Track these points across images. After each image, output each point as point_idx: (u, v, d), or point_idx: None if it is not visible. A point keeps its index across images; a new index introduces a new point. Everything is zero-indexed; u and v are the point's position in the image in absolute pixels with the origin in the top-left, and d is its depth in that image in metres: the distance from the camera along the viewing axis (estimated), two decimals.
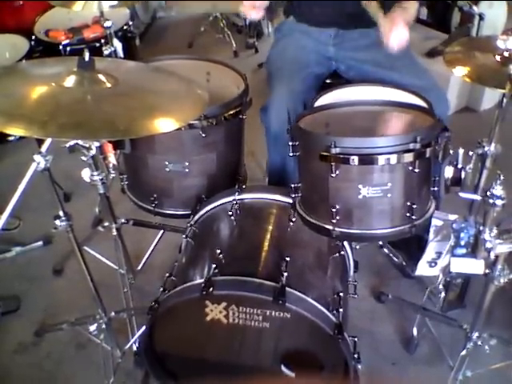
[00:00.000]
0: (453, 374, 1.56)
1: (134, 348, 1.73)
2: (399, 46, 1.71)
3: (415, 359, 1.83)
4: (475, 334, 1.51)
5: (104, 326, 1.63)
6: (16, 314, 2.02)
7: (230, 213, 1.55)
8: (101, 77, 1.26)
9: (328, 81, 2.04)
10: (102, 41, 2.14)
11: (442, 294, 1.86)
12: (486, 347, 1.53)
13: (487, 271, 1.33)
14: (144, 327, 1.46)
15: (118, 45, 2.06)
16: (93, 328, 1.64)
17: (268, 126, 1.83)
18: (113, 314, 1.68)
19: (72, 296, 2.03)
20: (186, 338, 1.52)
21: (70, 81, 1.22)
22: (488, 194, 1.20)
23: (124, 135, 1.25)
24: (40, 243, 2.27)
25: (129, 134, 1.20)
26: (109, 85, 1.25)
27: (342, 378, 1.44)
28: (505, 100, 1.52)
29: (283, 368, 1.45)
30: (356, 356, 1.37)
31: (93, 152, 1.33)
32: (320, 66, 2.01)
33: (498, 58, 1.49)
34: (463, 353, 1.53)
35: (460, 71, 1.48)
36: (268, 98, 1.84)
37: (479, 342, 1.52)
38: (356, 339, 1.40)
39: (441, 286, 1.84)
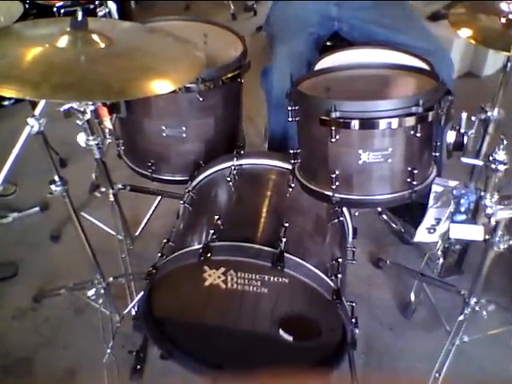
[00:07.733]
0: (450, 339, 1.57)
1: (133, 312, 1.74)
2: None
3: (412, 324, 1.84)
4: (473, 300, 1.51)
5: (102, 291, 1.63)
6: (14, 280, 2.02)
7: (229, 178, 1.53)
8: (94, 37, 1.21)
9: (328, 43, 1.99)
10: (97, 2, 2.09)
11: (441, 260, 1.86)
12: (484, 313, 1.53)
13: (487, 237, 1.33)
14: (142, 292, 1.46)
15: (112, 6, 2.03)
16: (91, 293, 1.63)
17: (269, 90, 1.78)
18: (111, 279, 1.67)
19: (70, 261, 2.02)
20: (185, 303, 1.52)
21: (63, 41, 1.19)
22: (490, 159, 1.19)
23: (118, 97, 1.22)
24: (37, 209, 2.26)
25: (123, 95, 1.17)
26: (103, 45, 1.21)
27: (339, 342, 1.45)
28: (509, 64, 1.49)
29: (281, 332, 1.46)
30: (354, 321, 1.38)
31: (88, 116, 1.30)
32: (322, 27, 1.95)
33: (502, 20, 1.46)
34: (460, 318, 1.54)
35: (464, 33, 1.45)
36: (270, 61, 1.79)
37: (477, 308, 1.52)
38: (354, 304, 1.41)
39: (439, 252, 1.84)
